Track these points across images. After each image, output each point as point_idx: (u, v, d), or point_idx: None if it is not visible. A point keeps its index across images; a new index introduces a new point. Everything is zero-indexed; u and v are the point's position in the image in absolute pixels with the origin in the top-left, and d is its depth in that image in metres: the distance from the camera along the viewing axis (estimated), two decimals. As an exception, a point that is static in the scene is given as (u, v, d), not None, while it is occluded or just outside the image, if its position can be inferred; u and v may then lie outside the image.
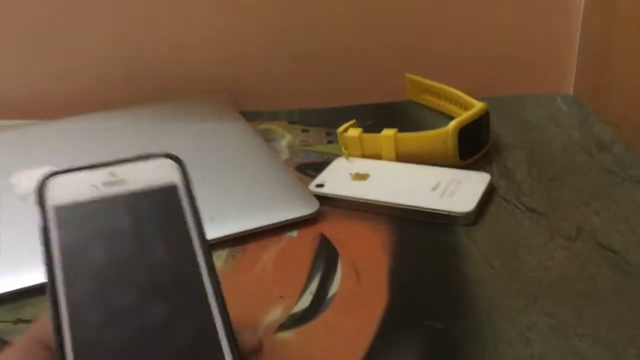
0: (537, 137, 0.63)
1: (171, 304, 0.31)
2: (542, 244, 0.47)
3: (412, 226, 0.50)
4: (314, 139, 0.66)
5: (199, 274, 0.32)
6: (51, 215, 0.32)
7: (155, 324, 0.30)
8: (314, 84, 0.80)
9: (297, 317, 0.41)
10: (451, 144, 0.57)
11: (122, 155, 0.34)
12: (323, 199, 0.53)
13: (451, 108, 0.67)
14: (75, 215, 0.32)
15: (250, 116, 0.69)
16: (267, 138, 0.66)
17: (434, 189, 0.54)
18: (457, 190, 0.53)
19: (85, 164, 0.33)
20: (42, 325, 0.31)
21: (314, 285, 0.44)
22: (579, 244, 0.47)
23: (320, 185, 0.55)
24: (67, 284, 0.30)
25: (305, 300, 0.43)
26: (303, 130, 0.68)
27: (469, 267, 0.45)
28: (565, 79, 0.82)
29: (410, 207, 0.52)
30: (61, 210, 0.32)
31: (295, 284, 0.45)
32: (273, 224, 0.50)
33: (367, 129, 0.60)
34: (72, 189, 0.33)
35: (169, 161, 0.34)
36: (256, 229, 0.50)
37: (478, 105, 0.59)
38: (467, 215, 0.50)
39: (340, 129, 0.61)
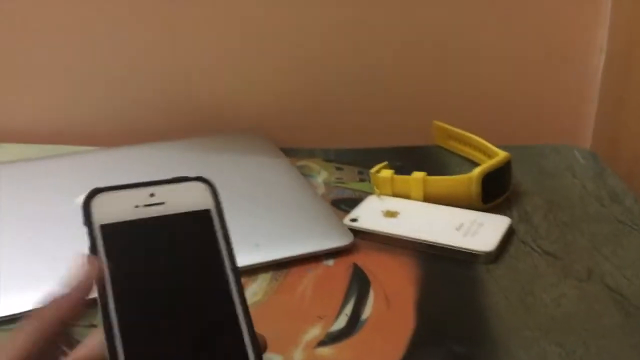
0: (555, 186, 0.68)
1: (204, 325, 0.33)
2: (556, 283, 0.52)
3: (436, 261, 0.56)
4: (348, 177, 0.72)
5: (230, 296, 0.34)
6: (97, 233, 0.33)
7: (187, 344, 0.32)
8: (349, 126, 0.87)
9: (334, 335, 0.47)
10: (475, 189, 0.62)
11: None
12: (356, 232, 0.59)
13: (475, 155, 0.72)
14: (120, 235, 0.33)
15: (288, 153, 0.75)
16: (304, 174, 0.72)
17: (458, 228, 0.59)
18: (479, 231, 0.58)
19: (126, 183, 0.35)
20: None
21: (348, 308, 0.50)
22: (589, 285, 0.52)
23: (354, 220, 0.61)
24: (115, 300, 0.32)
25: (342, 321, 0.48)
26: (337, 168, 0.74)
27: (488, 300, 0.50)
28: (584, 132, 0.88)
29: (436, 244, 0.57)
30: (107, 228, 0.33)
31: (331, 306, 0.50)
32: (312, 253, 0.56)
33: (397, 170, 0.66)
34: (116, 209, 0.34)
35: (202, 185, 0.36)
36: (297, 256, 0.55)
37: (501, 155, 0.65)
38: (488, 254, 0.55)
39: (374, 169, 0.67)
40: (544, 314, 0.48)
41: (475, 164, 0.65)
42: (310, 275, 0.54)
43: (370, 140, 0.80)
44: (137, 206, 0.34)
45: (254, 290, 0.52)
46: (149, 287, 0.33)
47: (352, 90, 0.86)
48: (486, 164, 0.63)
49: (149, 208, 0.34)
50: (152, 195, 0.35)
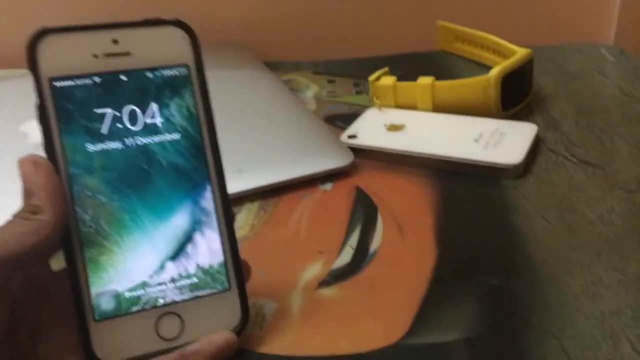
0: (583, 88, 0.59)
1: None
2: (601, 196, 0.43)
3: (454, 179, 0.47)
4: (342, 90, 0.62)
5: (208, 182, 0.31)
6: (47, 89, 0.29)
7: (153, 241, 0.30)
8: (337, 34, 0.76)
9: (338, 272, 0.38)
10: (493, 92, 0.53)
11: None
12: (356, 151, 0.49)
13: (488, 56, 0.62)
14: (74, 93, 0.29)
15: (271, 67, 0.65)
16: (292, 89, 0.62)
17: (476, 140, 0.50)
18: (502, 141, 0.49)
19: (83, 24, 0.29)
20: None
21: (353, 240, 0.41)
22: (642, 196, 0.43)
23: (353, 136, 0.52)
24: (68, 163, 0.29)
25: (346, 255, 0.39)
26: (329, 81, 0.64)
27: (521, 221, 0.42)
28: (606, 31, 0.77)
29: (452, 159, 0.48)
30: (58, 83, 0.29)
31: (333, 238, 0.41)
32: (305, 176, 0.47)
33: (399, 78, 0.56)
34: (69, 58, 0.29)
35: (179, 32, 0.31)
36: (287, 181, 0.46)
37: (522, 52, 0.55)
38: (515, 167, 0.46)
39: (372, 77, 0.57)
40: (591, 233, 0.40)
41: (489, 68, 0.56)
42: (305, 203, 0.45)
43: (364, 50, 0.69)
44: (95, 56, 0.29)
45: (239, 223, 0.43)
46: (110, 165, 0.29)
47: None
48: (506, 62, 0.53)
49: (111, 59, 0.29)
50: (115, 42, 0.29)
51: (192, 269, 0.31)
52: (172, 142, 0.31)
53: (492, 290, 0.36)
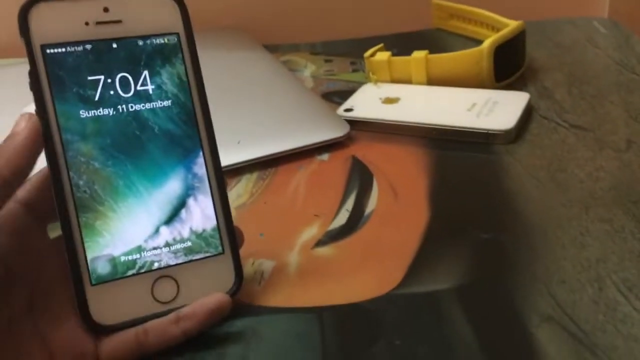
0: (576, 59, 0.59)
1: (166, 189, 0.31)
2: (591, 157, 0.44)
3: (448, 147, 0.48)
4: (339, 68, 0.63)
5: (200, 149, 0.32)
6: (39, 57, 0.29)
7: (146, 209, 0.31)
8: (333, 17, 0.77)
9: (334, 233, 0.39)
10: (486, 64, 0.54)
11: None
12: (353, 123, 0.51)
13: (482, 32, 0.63)
14: (65, 60, 0.29)
15: (270, 49, 0.66)
16: (290, 69, 0.63)
17: (469, 109, 0.51)
18: (495, 110, 0.50)
19: None
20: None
21: (349, 204, 0.42)
22: (630, 154, 0.44)
23: (349, 110, 0.53)
24: (61, 129, 0.29)
25: (342, 218, 0.41)
26: (326, 60, 0.65)
27: (512, 182, 0.43)
28: (598, 4, 0.78)
29: (446, 127, 0.49)
30: (50, 50, 0.29)
31: (329, 203, 0.42)
32: (302, 147, 0.48)
33: (394, 55, 0.57)
34: (61, 25, 0.29)
35: (169, 2, 0.32)
36: (284, 151, 0.47)
37: (514, 24, 0.56)
38: (507, 132, 0.47)
39: (367, 53, 0.58)
40: (580, 189, 0.41)
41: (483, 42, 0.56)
42: (302, 172, 0.46)
43: (360, 30, 0.70)
44: (87, 23, 0.30)
45: (238, 192, 0.44)
46: (103, 131, 0.30)
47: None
48: (497, 35, 0.54)
49: (102, 27, 0.30)
50: (106, 10, 0.30)
51: (186, 234, 0.31)
52: (164, 109, 0.31)
53: (483, 243, 0.37)
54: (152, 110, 0.31)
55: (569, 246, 0.36)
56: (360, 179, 0.45)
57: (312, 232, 0.40)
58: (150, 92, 0.31)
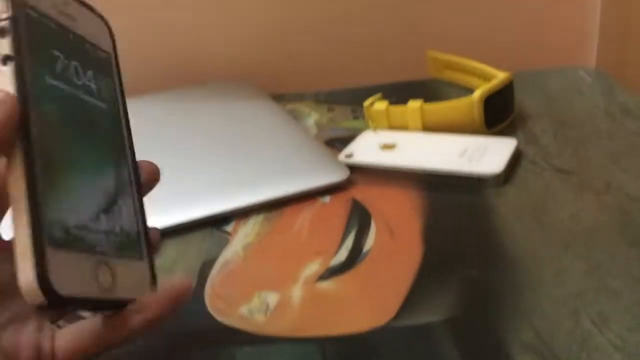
0: (562, 106, 0.64)
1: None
2: (573, 199, 0.48)
3: (441, 190, 0.52)
4: (341, 116, 0.67)
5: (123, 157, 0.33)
6: (20, 11, 0.29)
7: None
8: (336, 67, 0.82)
9: (335, 268, 0.43)
10: (477, 112, 0.58)
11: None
12: (353, 169, 0.55)
13: (474, 81, 0.68)
14: (40, 23, 0.30)
15: (276, 99, 0.71)
16: (295, 117, 0.67)
17: (461, 155, 0.55)
18: (485, 155, 0.54)
19: None
20: None
21: (349, 242, 0.46)
22: (610, 197, 0.47)
23: (350, 155, 0.57)
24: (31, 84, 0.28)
25: (342, 255, 0.44)
26: (329, 109, 0.69)
27: (499, 223, 0.46)
28: (587, 54, 0.83)
29: (439, 172, 0.53)
30: (29, 10, 0.29)
31: (331, 241, 0.46)
32: (306, 191, 0.52)
33: (392, 104, 0.62)
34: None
35: (103, 25, 0.34)
36: (289, 195, 0.51)
37: (502, 75, 0.60)
38: (496, 177, 0.51)
39: (367, 102, 0.62)
40: (561, 230, 0.44)
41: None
42: (305, 213, 0.50)
43: (361, 80, 0.75)
44: (54, 4, 0.31)
45: (246, 232, 0.48)
46: (61, 105, 0.30)
47: (338, 29, 0.81)
48: (487, 85, 0.59)
49: (64, 16, 0.31)
50: (66, 3, 0.32)
51: (117, 229, 0.31)
52: (103, 110, 0.32)
53: (471, 280, 0.40)
54: (95, 106, 0.32)
55: (549, 282, 0.39)
56: (359, 219, 0.48)
57: (314, 267, 0.43)
58: (94, 90, 0.32)
